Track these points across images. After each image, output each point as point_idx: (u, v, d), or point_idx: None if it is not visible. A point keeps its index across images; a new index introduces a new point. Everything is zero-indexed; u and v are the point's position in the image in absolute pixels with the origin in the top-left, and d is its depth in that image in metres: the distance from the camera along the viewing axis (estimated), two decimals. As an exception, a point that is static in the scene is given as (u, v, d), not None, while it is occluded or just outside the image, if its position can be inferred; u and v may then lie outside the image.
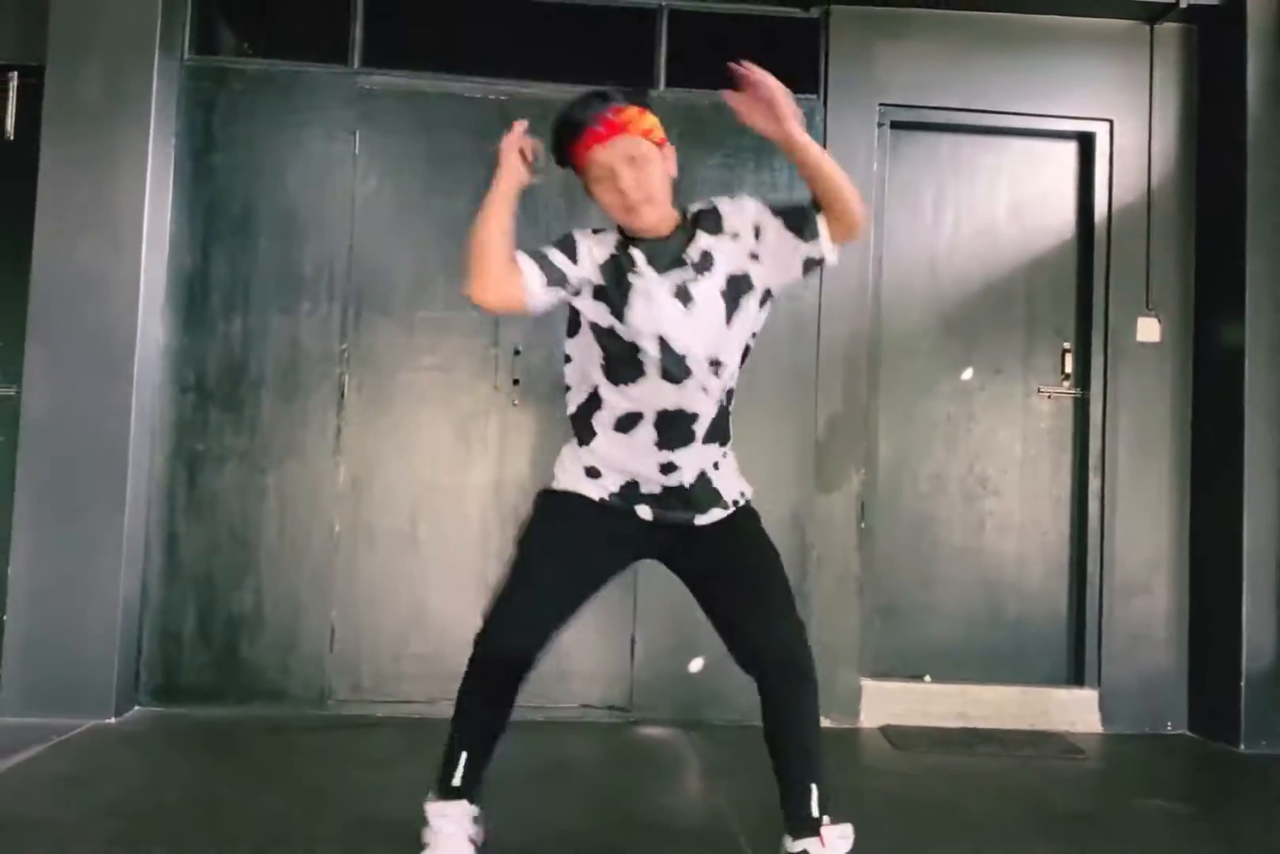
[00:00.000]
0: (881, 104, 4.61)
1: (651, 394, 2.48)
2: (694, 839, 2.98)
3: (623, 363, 2.48)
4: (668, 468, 2.51)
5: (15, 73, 4.35)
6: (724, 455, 2.60)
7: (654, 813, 3.22)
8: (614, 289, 2.48)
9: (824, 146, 4.32)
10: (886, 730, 4.29)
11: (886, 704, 4.43)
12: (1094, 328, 4.63)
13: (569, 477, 2.59)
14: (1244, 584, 4.26)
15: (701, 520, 2.56)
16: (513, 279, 2.45)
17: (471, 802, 2.54)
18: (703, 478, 2.55)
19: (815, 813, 2.44)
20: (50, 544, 4.04)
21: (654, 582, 4.22)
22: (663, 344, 2.44)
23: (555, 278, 2.47)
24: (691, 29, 4.63)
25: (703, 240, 2.49)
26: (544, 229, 4.43)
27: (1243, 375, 4.31)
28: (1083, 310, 4.69)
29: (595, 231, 2.58)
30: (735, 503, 2.60)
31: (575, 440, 2.61)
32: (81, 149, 4.13)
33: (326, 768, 3.57)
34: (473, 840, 2.53)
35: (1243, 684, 4.22)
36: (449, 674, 4.23)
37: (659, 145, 2.51)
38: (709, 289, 2.47)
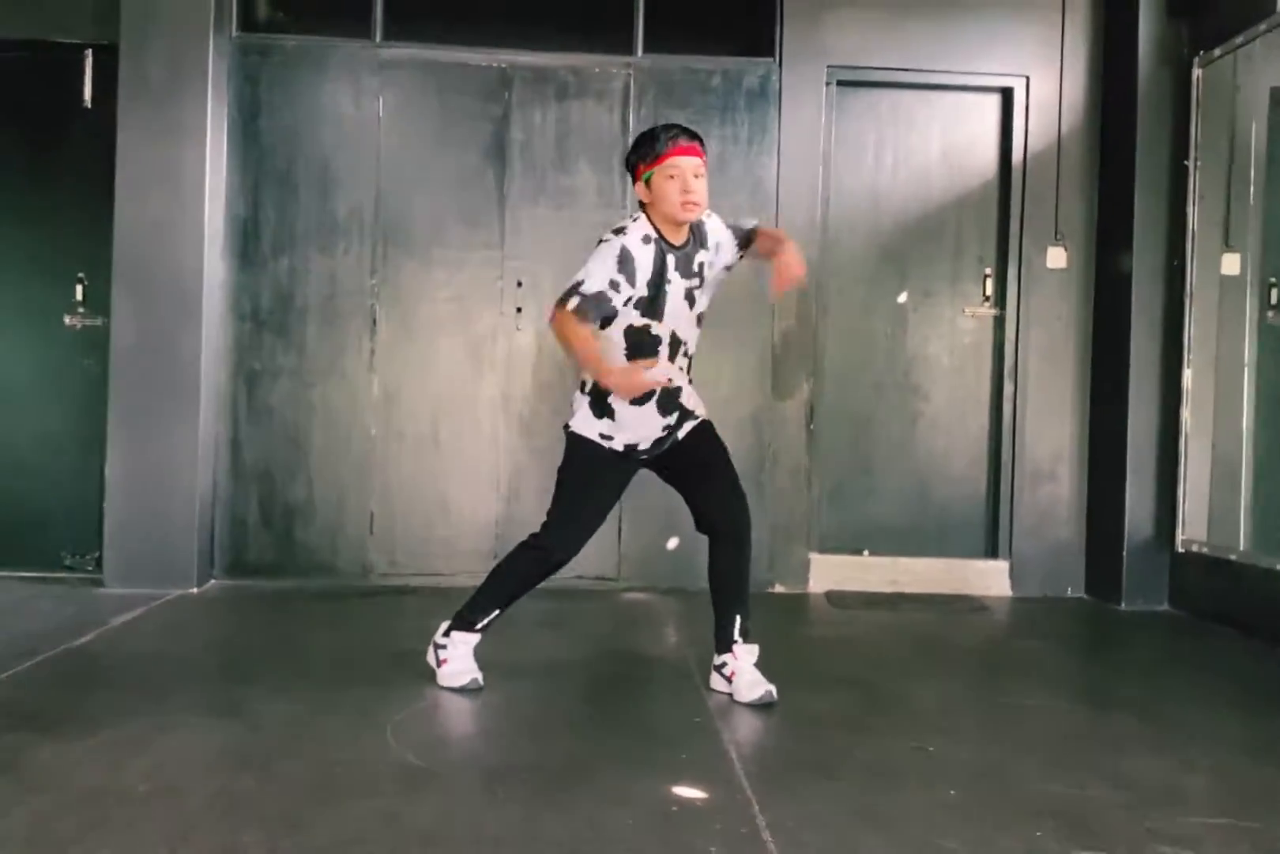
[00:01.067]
0: (829, 65, 5.34)
1: (669, 364, 3.30)
2: (655, 664, 3.88)
3: (642, 349, 3.28)
4: (666, 428, 3.38)
5: (90, 50, 5.12)
6: (691, 384, 3.46)
7: (628, 647, 4.13)
8: (653, 297, 3.24)
9: (779, 104, 5.14)
10: (829, 595, 5.19)
11: (830, 574, 5.33)
12: (1010, 256, 5.43)
13: (589, 431, 3.38)
14: (1128, 472, 5.10)
15: (679, 436, 3.44)
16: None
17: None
18: (683, 410, 3.40)
19: (735, 637, 3.40)
20: (138, 447, 4.92)
21: (638, 475, 5.12)
22: (673, 335, 3.30)
23: (607, 312, 3.22)
24: (664, 1, 5.35)
25: (701, 255, 3.34)
26: (540, 178, 5.22)
27: (1130, 296, 5.11)
28: (1001, 241, 5.48)
29: (644, 239, 3.23)
30: (697, 416, 3.47)
31: (589, 410, 3.36)
32: (150, 116, 4.92)
33: (372, 620, 4.49)
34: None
35: (1124, 554, 5.09)
36: (467, 550, 5.21)
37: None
38: (703, 294, 3.36)
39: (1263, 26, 4.56)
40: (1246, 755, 2.94)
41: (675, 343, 3.33)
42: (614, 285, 3.17)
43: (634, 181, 3.32)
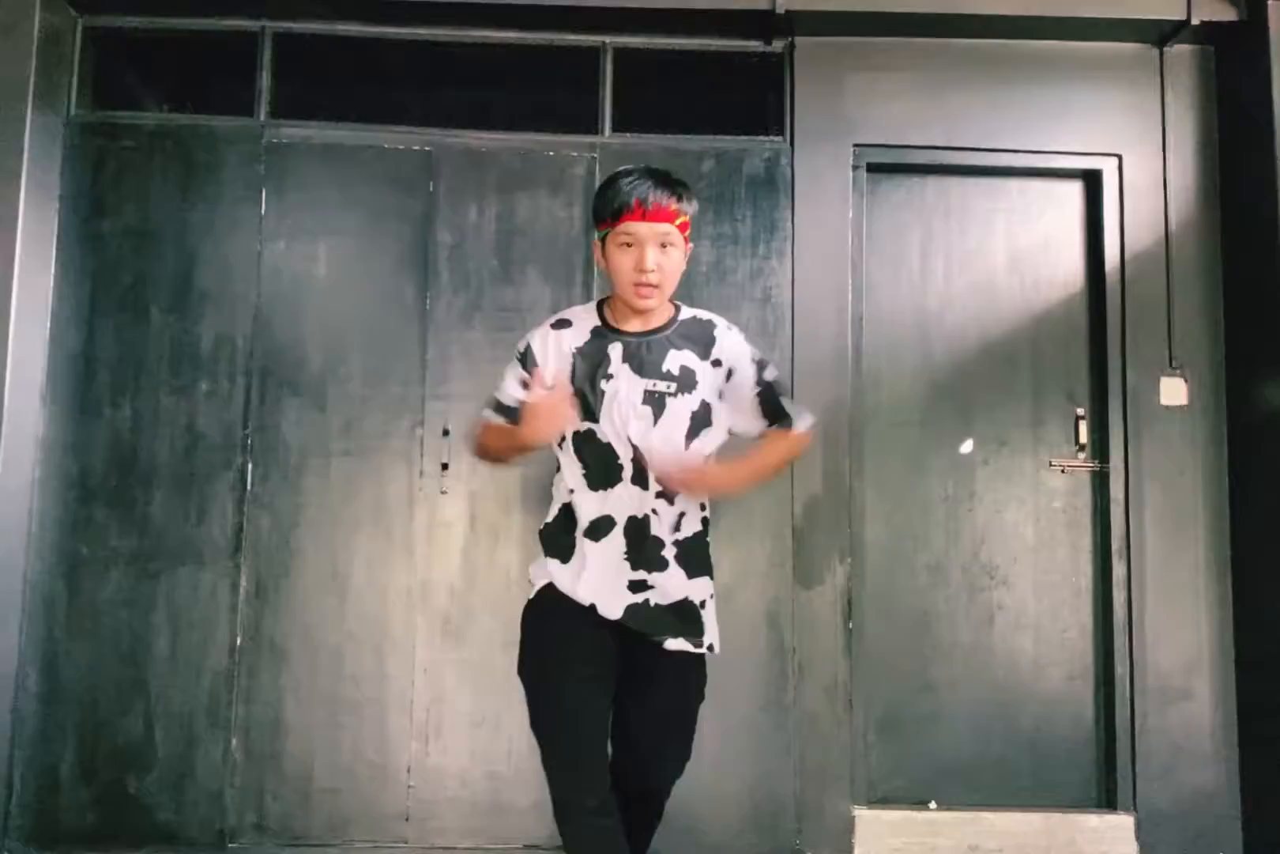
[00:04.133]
0: (856, 145, 4.11)
1: (622, 499, 2.46)
2: None
3: (600, 467, 2.47)
4: (638, 586, 2.46)
5: None
6: (711, 596, 2.55)
7: None
8: (588, 394, 2.47)
9: (792, 194, 3.88)
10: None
11: (885, 836, 3.80)
12: (1110, 391, 4.06)
13: (545, 574, 2.54)
14: (1300, 687, 3.61)
15: (670, 645, 2.47)
16: None
17: None
18: (688, 603, 2.49)
19: None
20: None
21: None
22: (634, 449, 2.44)
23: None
24: (640, 68, 4.15)
25: (683, 356, 2.50)
26: (476, 292, 3.95)
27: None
28: (1097, 372, 4.12)
29: (559, 324, 2.56)
30: (709, 648, 2.54)
31: (544, 559, 2.56)
32: (-62, 215, 3.66)
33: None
34: None
35: (1307, 808, 3.55)
36: (367, 810, 3.70)
37: (685, 241, 2.49)
38: (683, 407, 2.47)
39: None
40: None
41: (638, 464, 2.44)
42: (525, 385, 2.49)
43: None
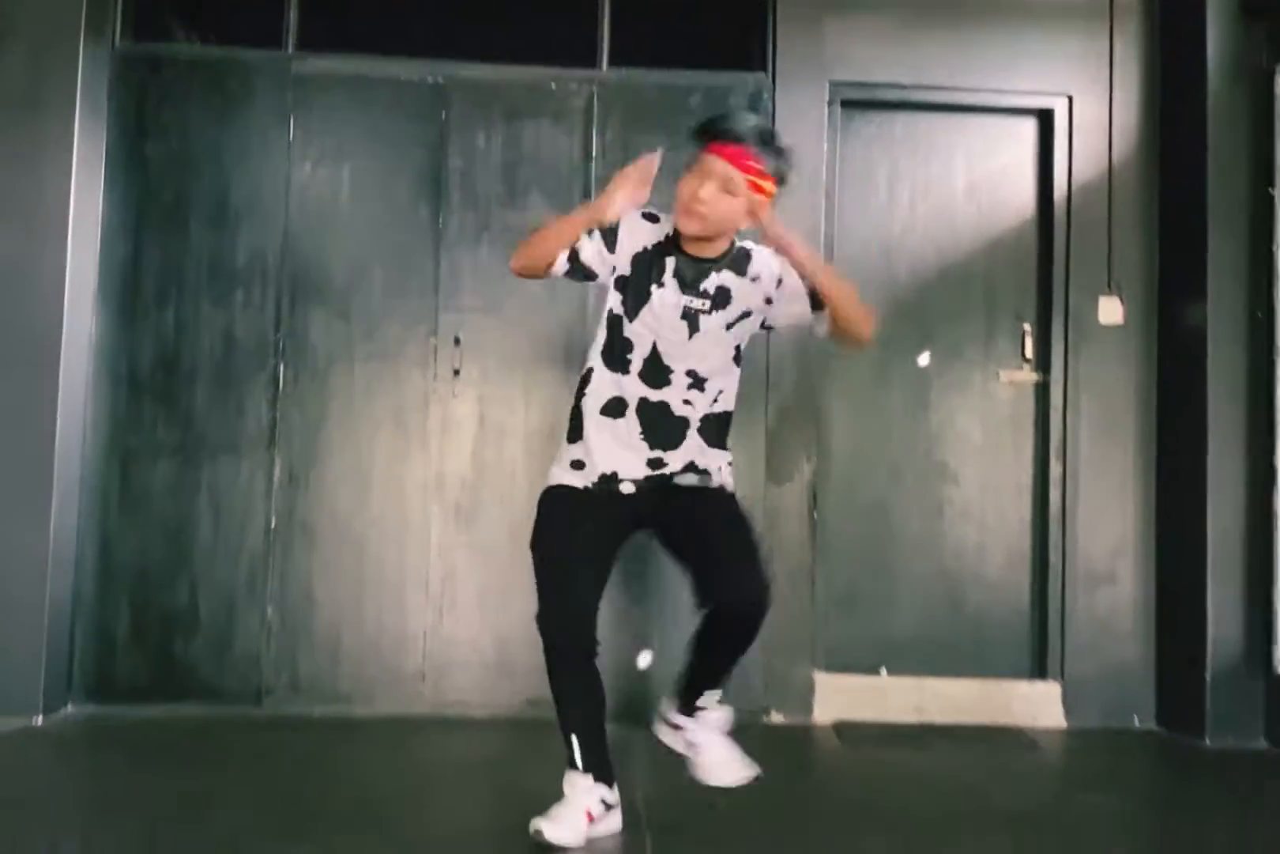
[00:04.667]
0: (832, 82, 4.47)
1: (632, 386, 2.73)
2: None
3: (616, 352, 2.75)
4: (656, 463, 2.75)
5: (-60, 61, 4.24)
6: (729, 462, 2.88)
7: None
8: (636, 289, 2.73)
9: (773, 124, 4.27)
10: (839, 727, 4.16)
11: (840, 698, 4.30)
12: (1054, 309, 4.49)
13: (557, 471, 2.83)
14: (1208, 572, 4.10)
15: (680, 480, 2.77)
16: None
17: (598, 779, 2.76)
18: (690, 465, 2.78)
19: (702, 705, 2.90)
20: (-31, 542, 3.95)
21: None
22: (653, 353, 2.72)
23: (580, 268, 2.78)
24: (636, 7, 4.49)
25: (724, 278, 2.75)
26: (485, 213, 4.34)
27: (1205, 356, 4.15)
28: (1043, 292, 4.54)
29: (649, 217, 2.82)
30: (722, 486, 2.84)
31: (565, 439, 2.84)
32: (5, 138, 4.04)
33: (250, 763, 3.46)
34: (590, 815, 2.73)
35: (1208, 676, 4.06)
36: (387, 672, 4.20)
37: (756, 192, 2.67)
38: (718, 322, 2.74)
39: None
40: None
41: (655, 359, 2.73)
42: (608, 242, 2.78)
43: None
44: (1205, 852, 2.93)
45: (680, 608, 4.03)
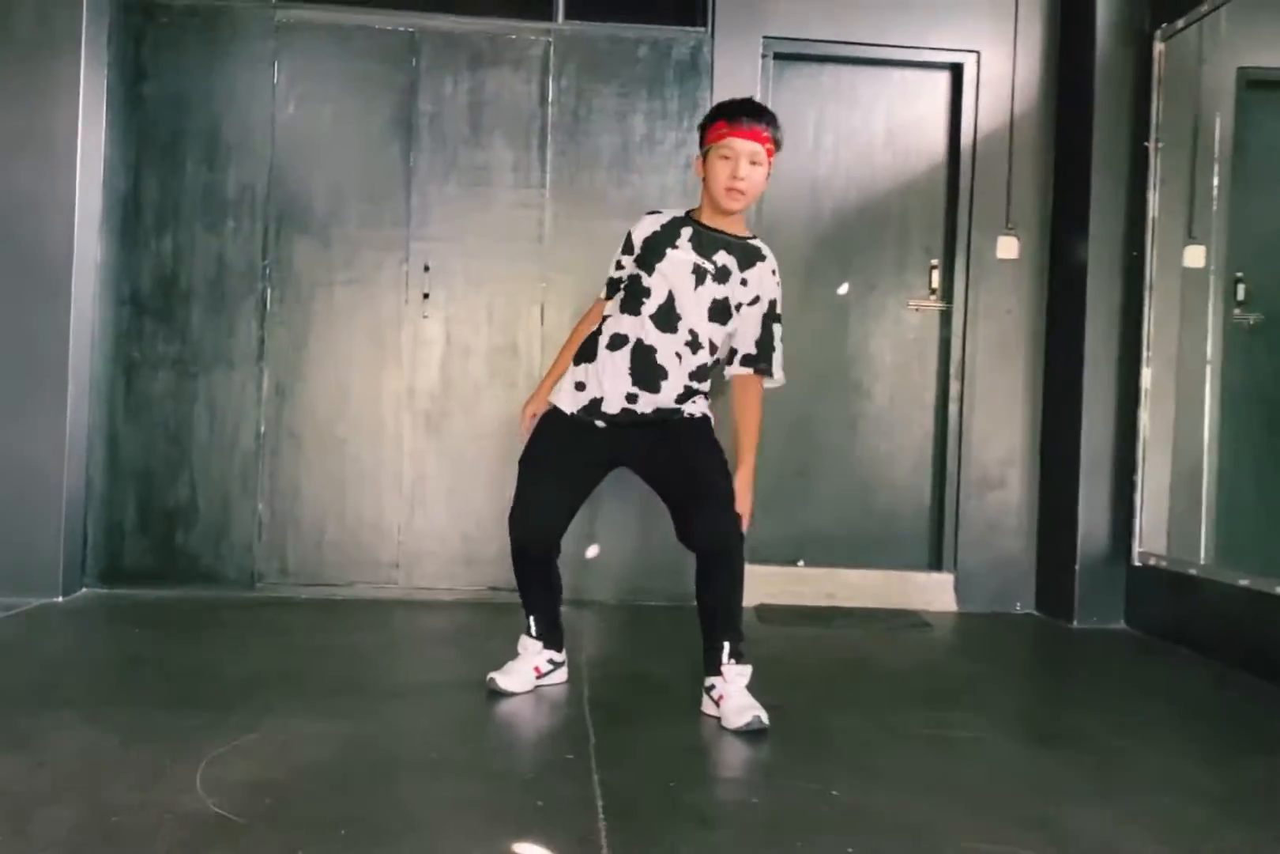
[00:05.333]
0: (765, 36, 4.94)
1: (639, 327, 3.15)
2: (545, 688, 3.42)
3: (631, 300, 3.20)
4: (631, 398, 3.15)
5: (-45, 6, 4.65)
6: (691, 402, 3.23)
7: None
8: (654, 251, 3.18)
9: (711, 77, 4.74)
10: (760, 609, 4.78)
11: (763, 586, 4.91)
12: (958, 246, 5.05)
13: (558, 395, 3.27)
14: (1080, 479, 4.71)
15: (645, 411, 3.17)
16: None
17: (547, 646, 3.37)
18: (658, 410, 3.18)
19: (725, 659, 3.09)
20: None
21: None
22: (669, 300, 3.14)
23: (622, 282, 3.30)
24: (589, -36, 4.94)
25: (731, 262, 3.17)
26: (451, 152, 4.80)
27: (1084, 289, 4.72)
28: (949, 230, 5.10)
29: (653, 212, 3.30)
30: (691, 415, 3.23)
31: (573, 364, 3.29)
32: (17, 80, 4.47)
33: (246, 635, 4.04)
34: (538, 670, 3.34)
35: (1077, 568, 4.69)
36: (365, 560, 4.77)
37: (768, 164, 3.16)
38: (709, 293, 3.15)
39: (1229, -7, 4.17)
40: (1201, 803, 2.53)
41: (669, 308, 3.15)
42: (619, 266, 3.33)
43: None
44: (1056, 713, 3.55)
45: (622, 508, 4.66)
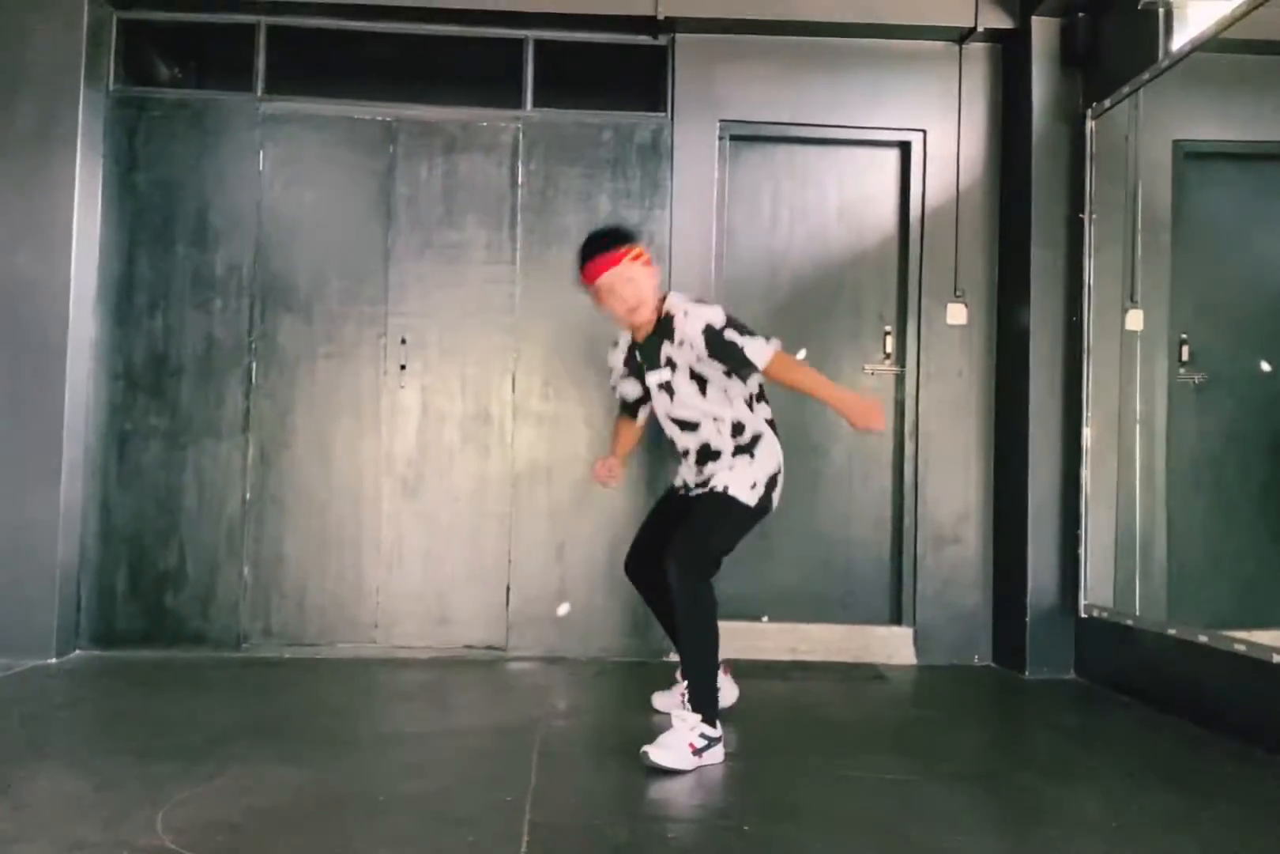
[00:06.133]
0: (722, 120, 5.24)
1: (675, 436, 3.82)
2: (503, 737, 3.61)
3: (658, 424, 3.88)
4: (695, 477, 3.82)
5: (-39, 104, 4.99)
6: (729, 467, 3.69)
7: (483, 720, 3.86)
8: (640, 380, 3.79)
9: (671, 158, 5.03)
10: (722, 663, 4.96)
11: (728, 641, 4.95)
12: (909, 312, 5.29)
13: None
14: (1029, 534, 4.91)
15: (695, 492, 3.80)
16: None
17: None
18: (703, 476, 3.74)
19: (682, 702, 3.41)
20: (-1, 511, 4.73)
21: (524, 535, 4.92)
22: (667, 416, 3.75)
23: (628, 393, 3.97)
24: (555, 57, 5.26)
25: (666, 348, 3.61)
26: (427, 232, 5.08)
27: (1028, 352, 4.96)
28: (901, 297, 5.34)
29: (615, 344, 3.94)
30: (713, 489, 3.64)
31: None
32: (17, 171, 4.80)
33: (227, 693, 4.25)
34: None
35: (1028, 620, 4.88)
36: (345, 620, 4.98)
37: (645, 264, 3.62)
38: (682, 381, 3.62)
39: (1146, 76, 4.45)
40: (1086, 835, 2.72)
41: (672, 422, 3.77)
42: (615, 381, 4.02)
43: None
44: (981, 756, 3.72)
45: (592, 566, 4.88)
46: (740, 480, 3.62)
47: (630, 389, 3.93)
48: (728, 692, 4.04)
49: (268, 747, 3.37)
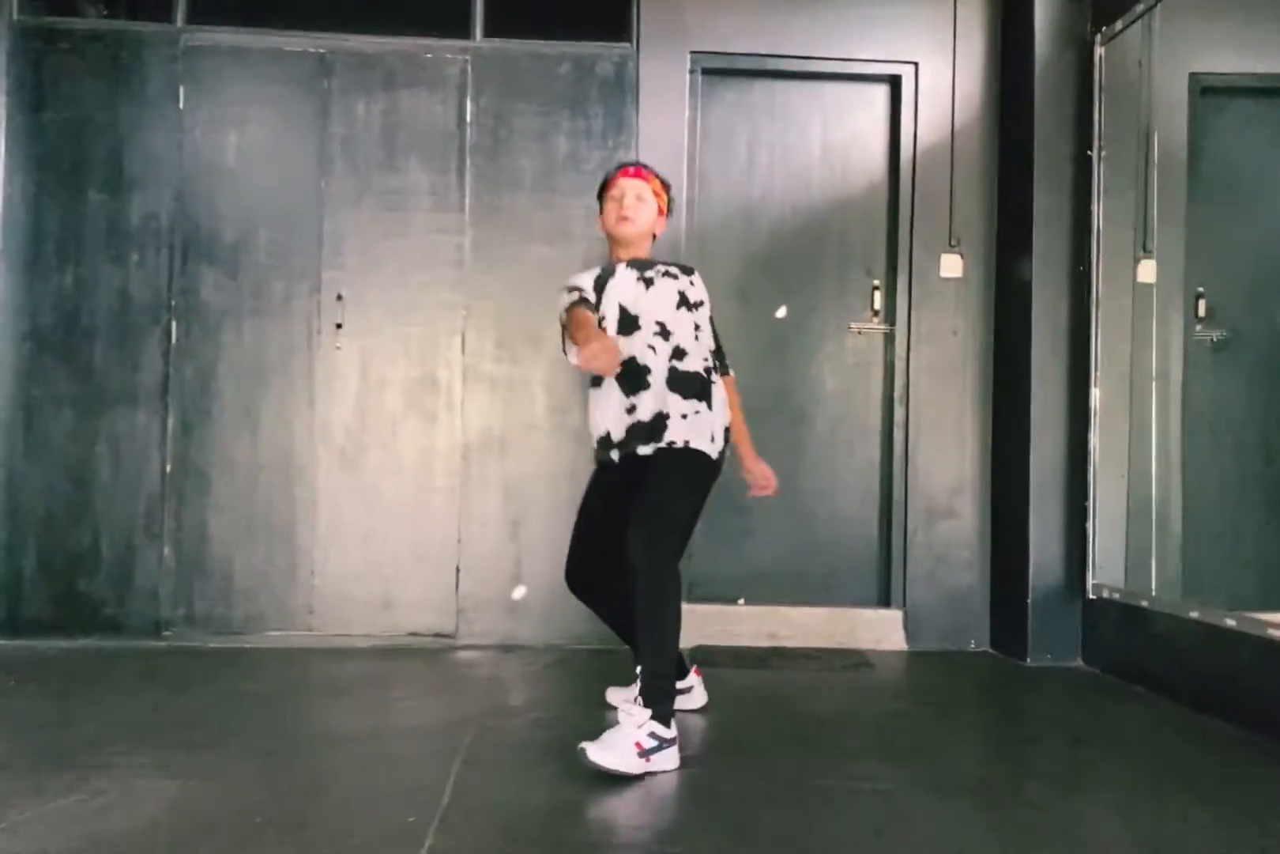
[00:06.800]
0: (693, 51, 4.75)
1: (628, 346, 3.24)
2: (429, 740, 3.14)
3: (624, 325, 3.30)
4: (630, 409, 3.21)
5: None
6: (695, 411, 3.22)
7: (413, 719, 3.39)
8: (598, 291, 3.33)
9: (637, 94, 4.53)
10: (695, 651, 4.50)
11: (701, 626, 4.64)
12: (900, 265, 4.81)
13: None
14: (1030, 507, 4.44)
15: (644, 451, 3.21)
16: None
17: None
18: (659, 417, 3.17)
19: (637, 691, 2.92)
20: (-111, 486, 4.25)
21: (475, 511, 4.45)
22: (621, 310, 3.27)
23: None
24: (508, -20, 4.76)
25: (670, 269, 3.39)
26: (365, 177, 4.59)
27: (1030, 307, 4.48)
28: (891, 249, 4.86)
29: (588, 272, 3.45)
30: (670, 444, 3.17)
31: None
32: (-95, 107, 4.30)
33: (135, 690, 3.78)
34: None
35: (1029, 602, 4.41)
36: (275, 606, 4.51)
37: (660, 208, 3.50)
38: (668, 284, 3.33)
39: (1164, -11, 3.96)
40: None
41: (625, 315, 3.29)
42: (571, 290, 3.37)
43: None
44: (972, 759, 3.27)
45: (551, 547, 4.41)
46: (701, 432, 3.23)
47: (607, 292, 3.42)
48: (696, 695, 3.59)
49: (148, 752, 2.90)
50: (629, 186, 3.42)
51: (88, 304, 4.56)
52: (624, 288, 3.31)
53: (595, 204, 3.87)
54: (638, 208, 3.40)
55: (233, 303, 4.59)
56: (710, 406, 3.27)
